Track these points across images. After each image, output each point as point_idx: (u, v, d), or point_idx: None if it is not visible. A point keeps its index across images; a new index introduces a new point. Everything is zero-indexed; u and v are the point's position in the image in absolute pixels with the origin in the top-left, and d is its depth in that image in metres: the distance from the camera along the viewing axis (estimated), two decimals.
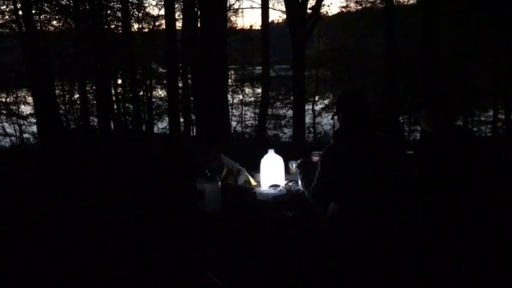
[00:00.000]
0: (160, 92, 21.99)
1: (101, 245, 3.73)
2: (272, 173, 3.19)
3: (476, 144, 2.93)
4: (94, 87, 17.99)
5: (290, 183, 3.22)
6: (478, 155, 2.78)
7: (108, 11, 17.54)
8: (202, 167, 3.03)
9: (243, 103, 22.56)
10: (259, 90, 20.26)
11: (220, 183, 2.70)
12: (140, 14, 19.90)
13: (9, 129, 19.65)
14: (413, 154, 2.97)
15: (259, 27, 15.01)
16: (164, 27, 14.09)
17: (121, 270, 3.21)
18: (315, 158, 3.19)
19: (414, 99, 15.92)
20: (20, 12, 14.63)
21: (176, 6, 15.57)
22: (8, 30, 17.02)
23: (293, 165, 3.26)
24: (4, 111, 19.29)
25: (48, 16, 17.55)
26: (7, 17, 16.60)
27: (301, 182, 2.70)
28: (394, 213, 2.40)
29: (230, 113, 17.08)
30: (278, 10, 27.31)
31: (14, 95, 19.74)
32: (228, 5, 17.06)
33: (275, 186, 3.14)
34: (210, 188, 2.65)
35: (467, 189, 2.64)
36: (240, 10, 21.14)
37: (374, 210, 2.35)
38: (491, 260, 2.64)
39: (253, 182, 3.31)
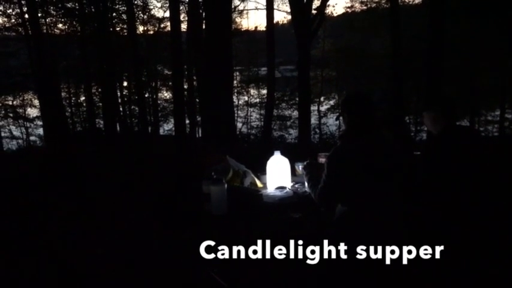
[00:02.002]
0: (166, 94, 22.08)
1: (107, 246, 3.74)
2: (278, 174, 3.17)
3: (480, 144, 2.91)
4: (100, 90, 18.08)
5: (296, 185, 3.20)
6: (482, 155, 2.77)
7: (113, 14, 17.65)
8: (208, 169, 3.02)
9: (248, 104, 22.59)
10: (264, 91, 20.29)
11: (226, 185, 2.70)
12: (145, 16, 20.04)
13: (16, 132, 19.79)
14: (419, 155, 2.96)
15: (264, 28, 15.02)
16: (169, 29, 14.13)
17: (127, 270, 3.22)
18: (322, 160, 3.17)
19: (420, 100, 15.87)
20: (26, 16, 14.72)
21: (181, 8, 15.62)
22: (14, 34, 17.15)
23: (299, 167, 3.23)
24: (11, 114, 19.43)
25: (54, 19, 17.71)
26: (13, 20, 16.75)
27: (308, 184, 2.68)
28: (401, 214, 2.39)
29: (235, 114, 17.12)
30: (283, 11, 27.38)
31: (21, 98, 19.92)
32: (233, 7, 17.09)
33: (281, 188, 3.12)
34: (216, 190, 2.64)
35: (469, 189, 2.63)
36: (244, 11, 21.16)
37: (382, 211, 2.33)
38: (494, 259, 2.63)
39: (259, 184, 3.29)
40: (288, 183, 3.19)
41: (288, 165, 3.20)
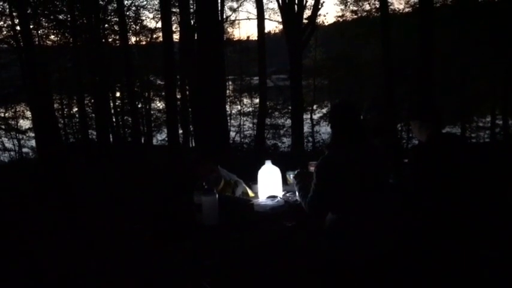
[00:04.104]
0: (159, 104, 22.05)
1: (100, 257, 3.73)
2: (270, 184, 3.19)
3: (467, 151, 2.95)
4: (92, 101, 18.04)
5: (288, 194, 3.22)
6: (469, 161, 2.80)
7: (106, 25, 17.66)
8: (199, 179, 3.04)
9: (241, 113, 22.61)
10: (257, 101, 20.31)
11: (217, 195, 2.71)
12: (137, 27, 20.08)
13: (8, 144, 19.64)
14: (407, 162, 2.99)
15: (256, 38, 15.08)
16: (161, 39, 14.17)
17: (119, 283, 3.21)
18: (312, 168, 3.19)
19: (409, 107, 15.98)
20: (18, 28, 14.70)
21: (173, 18, 15.68)
22: (6, 46, 17.11)
23: (290, 176, 3.25)
24: (3, 126, 19.30)
25: (46, 31, 17.70)
26: (5, 32, 16.70)
27: (298, 193, 2.70)
28: (391, 221, 2.42)
29: (229, 124, 17.15)
30: (274, 21, 27.47)
31: (13, 110, 19.79)
32: (224, 17, 17.19)
33: (273, 197, 3.14)
34: (207, 200, 2.65)
35: (456, 195, 2.65)
36: (236, 21, 21.26)
37: (371, 219, 2.35)
38: (485, 263, 2.65)
39: (250, 194, 3.31)
40: (279, 192, 3.21)
41: (279, 174, 3.23)
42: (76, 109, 19.59)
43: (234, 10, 20.13)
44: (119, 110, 19.75)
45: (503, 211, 3.13)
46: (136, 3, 19.07)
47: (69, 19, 16.30)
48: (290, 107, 15.67)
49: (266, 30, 15.07)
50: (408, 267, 2.44)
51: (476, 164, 2.88)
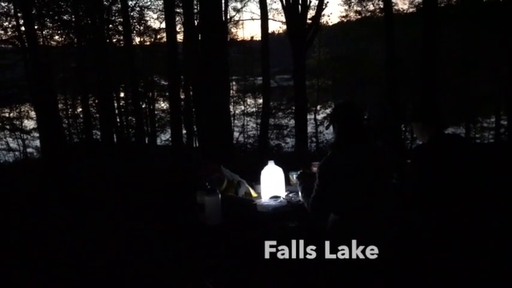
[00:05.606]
0: (163, 104, 22.10)
1: (103, 256, 3.74)
2: (272, 184, 3.19)
3: (469, 151, 2.94)
4: (96, 101, 18.11)
5: (290, 194, 3.22)
6: (471, 162, 2.79)
7: (110, 25, 17.72)
8: (202, 179, 3.04)
9: (244, 114, 22.64)
10: (260, 101, 20.34)
11: (220, 195, 2.71)
12: (141, 28, 20.12)
13: (13, 144, 19.71)
14: (409, 163, 2.99)
15: (260, 38, 15.12)
16: (165, 40, 14.20)
17: (124, 281, 3.22)
18: (315, 169, 3.19)
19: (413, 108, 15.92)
20: (23, 28, 14.78)
21: (177, 19, 15.71)
22: (10, 46, 17.20)
23: (293, 176, 3.25)
24: (8, 126, 19.39)
25: (50, 31, 17.77)
26: (10, 32, 16.79)
27: (301, 194, 2.70)
28: (393, 222, 2.41)
29: (232, 124, 17.16)
30: (278, 21, 27.46)
31: (17, 110, 19.86)
32: (228, 17, 17.21)
33: (275, 197, 3.14)
34: (210, 200, 2.66)
35: (458, 196, 2.65)
36: (240, 22, 21.29)
37: (373, 220, 2.35)
38: (487, 264, 2.65)
39: (253, 194, 3.31)
40: (282, 192, 3.21)
41: (281, 174, 3.22)
42: (80, 109, 19.66)
43: (237, 10, 20.17)
44: (122, 110, 19.81)
45: (505, 211, 3.13)
46: (141, 4, 19.22)
47: (73, 19, 16.37)
48: (294, 107, 15.67)
49: (270, 31, 15.10)
50: (409, 267, 2.43)
51: (478, 165, 2.87)
